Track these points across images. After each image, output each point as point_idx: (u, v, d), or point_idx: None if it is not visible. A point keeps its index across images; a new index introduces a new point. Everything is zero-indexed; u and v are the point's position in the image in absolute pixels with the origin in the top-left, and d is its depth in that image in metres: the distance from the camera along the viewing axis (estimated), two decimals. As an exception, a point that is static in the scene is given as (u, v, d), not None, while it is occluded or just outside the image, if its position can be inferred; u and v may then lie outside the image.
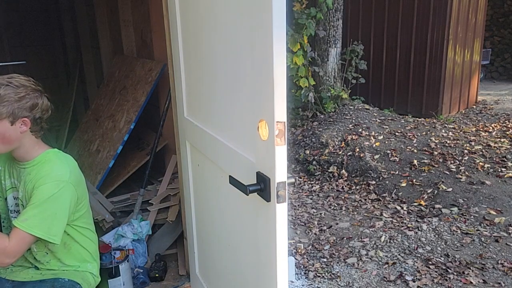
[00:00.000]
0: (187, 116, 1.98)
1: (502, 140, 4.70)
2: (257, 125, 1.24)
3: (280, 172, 1.19)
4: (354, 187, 4.02)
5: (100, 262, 1.89)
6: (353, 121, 4.97)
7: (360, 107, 5.41)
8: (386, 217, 3.39)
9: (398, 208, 3.53)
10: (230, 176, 1.40)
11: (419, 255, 2.83)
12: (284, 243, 1.26)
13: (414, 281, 2.57)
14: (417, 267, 2.70)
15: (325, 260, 2.86)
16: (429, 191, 3.66)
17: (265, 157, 1.24)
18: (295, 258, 2.85)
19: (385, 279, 2.62)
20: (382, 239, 3.05)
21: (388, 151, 4.32)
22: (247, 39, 1.26)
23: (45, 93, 1.59)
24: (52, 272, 1.71)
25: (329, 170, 4.31)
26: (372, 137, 4.57)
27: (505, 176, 3.77)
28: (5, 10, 5.19)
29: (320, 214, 3.55)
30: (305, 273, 2.72)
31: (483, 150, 4.32)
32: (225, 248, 1.75)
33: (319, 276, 2.68)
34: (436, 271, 2.65)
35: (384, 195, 3.78)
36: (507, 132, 5.01)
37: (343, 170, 4.25)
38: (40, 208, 1.49)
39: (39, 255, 1.70)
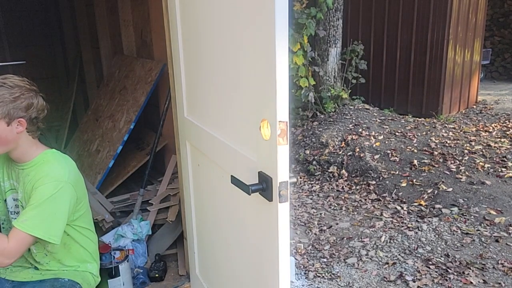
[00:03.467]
0: (187, 116, 1.98)
1: (502, 140, 4.70)
2: (259, 124, 1.24)
3: (282, 171, 1.19)
4: (354, 187, 4.01)
5: (100, 262, 1.88)
6: (353, 121, 4.97)
7: (360, 107, 5.41)
8: (386, 217, 3.39)
9: (398, 208, 3.53)
10: (232, 176, 1.39)
11: (419, 255, 2.83)
12: (286, 242, 1.26)
13: (414, 281, 2.56)
14: (417, 267, 2.70)
15: (325, 260, 2.86)
16: (429, 191, 3.66)
17: (267, 157, 1.23)
18: (295, 258, 2.85)
19: (385, 279, 2.62)
20: (382, 239, 3.05)
21: (388, 151, 4.32)
22: (249, 38, 1.26)
23: (40, 92, 1.58)
24: (52, 272, 1.71)
25: (329, 170, 4.31)
26: (372, 137, 4.57)
27: (505, 176, 3.77)
28: (5, 10, 5.18)
29: (320, 214, 3.55)
30: (305, 273, 2.72)
31: (483, 150, 4.32)
32: (226, 248, 1.74)
33: (319, 276, 2.68)
34: (436, 271, 2.65)
35: (384, 195, 3.78)
36: (507, 132, 5.01)
37: (343, 170, 4.24)
38: (40, 208, 1.49)
39: (38, 256, 1.69)
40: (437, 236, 3.05)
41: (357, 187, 4.00)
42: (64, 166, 1.60)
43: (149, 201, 2.90)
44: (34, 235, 1.47)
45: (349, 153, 4.38)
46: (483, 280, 2.55)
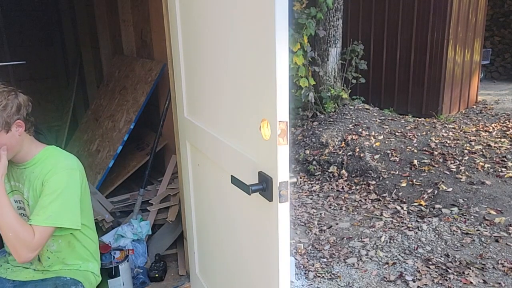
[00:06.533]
0: (187, 116, 1.98)
1: (502, 140, 4.70)
2: (259, 124, 1.24)
3: (283, 171, 1.19)
4: (354, 187, 4.01)
5: (100, 262, 1.89)
6: (353, 121, 4.97)
7: (360, 107, 5.41)
8: (386, 217, 3.39)
9: (398, 208, 3.53)
10: (232, 176, 1.40)
11: (419, 255, 2.83)
12: (286, 242, 1.26)
13: (414, 281, 2.56)
14: (417, 267, 2.70)
15: (325, 260, 2.86)
16: (429, 191, 3.66)
17: (267, 157, 1.23)
18: (295, 258, 2.85)
19: (385, 279, 2.62)
20: (382, 239, 3.05)
21: (388, 151, 4.32)
22: (249, 38, 1.26)
23: (17, 89, 1.60)
24: (53, 272, 1.71)
25: (329, 170, 4.31)
26: (372, 137, 4.57)
27: (505, 176, 3.77)
28: (5, 10, 5.18)
29: (320, 214, 3.55)
30: (305, 273, 2.72)
31: (483, 150, 4.32)
32: (226, 248, 1.74)
33: (319, 276, 2.68)
34: (436, 271, 2.65)
35: (384, 195, 3.78)
36: (507, 132, 5.01)
37: (343, 170, 4.24)
38: (60, 199, 1.53)
39: (42, 258, 1.70)
40: (437, 236, 3.05)
41: (357, 187, 4.00)
42: (70, 156, 1.66)
43: (149, 201, 2.90)
44: (63, 226, 1.54)
45: (349, 153, 4.38)
46: (483, 280, 2.55)
